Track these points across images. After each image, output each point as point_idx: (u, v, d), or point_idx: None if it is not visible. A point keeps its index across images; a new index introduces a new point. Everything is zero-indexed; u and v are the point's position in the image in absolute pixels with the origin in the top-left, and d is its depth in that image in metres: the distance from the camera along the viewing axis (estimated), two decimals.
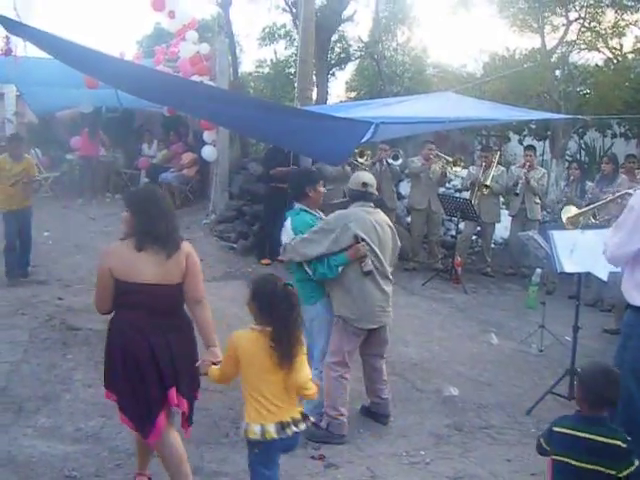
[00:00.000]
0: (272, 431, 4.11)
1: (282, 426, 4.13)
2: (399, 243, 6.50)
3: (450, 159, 12.52)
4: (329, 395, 6.14)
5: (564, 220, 6.89)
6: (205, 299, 4.84)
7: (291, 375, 4.15)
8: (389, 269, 6.23)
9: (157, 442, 4.59)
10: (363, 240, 5.95)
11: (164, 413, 4.55)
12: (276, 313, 4.14)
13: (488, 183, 12.08)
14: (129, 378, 4.49)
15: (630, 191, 6.30)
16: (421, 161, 12.54)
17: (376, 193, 6.38)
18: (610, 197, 6.34)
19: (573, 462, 3.88)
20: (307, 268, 6.10)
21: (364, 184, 6.23)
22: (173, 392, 4.54)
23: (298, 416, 4.24)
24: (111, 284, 4.52)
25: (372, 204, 6.28)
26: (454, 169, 12.67)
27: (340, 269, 6.02)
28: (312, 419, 4.48)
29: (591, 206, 7.05)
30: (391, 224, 6.40)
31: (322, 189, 6.51)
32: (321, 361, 6.22)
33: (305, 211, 6.39)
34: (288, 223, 6.32)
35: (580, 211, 6.96)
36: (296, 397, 4.27)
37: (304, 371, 4.23)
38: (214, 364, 4.57)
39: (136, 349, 4.49)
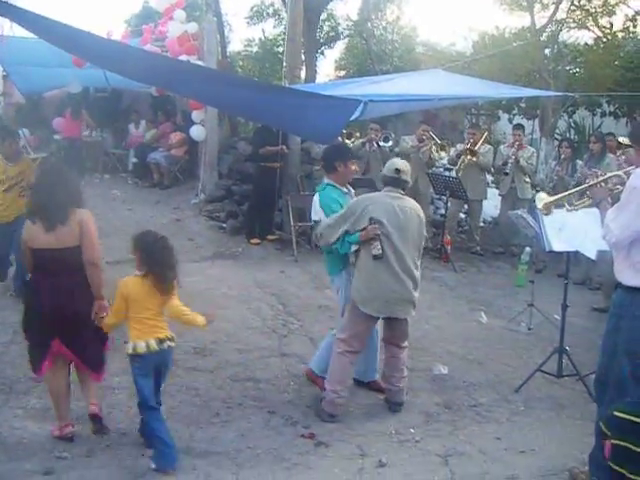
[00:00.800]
0: (154, 344, 5.02)
1: (160, 340, 5.06)
2: (425, 233, 6.37)
3: (440, 142, 12.53)
4: (330, 369, 6.20)
5: (539, 207, 6.89)
6: (99, 261, 5.43)
7: (167, 305, 5.15)
8: (413, 257, 6.13)
9: (44, 378, 5.51)
10: (379, 223, 5.93)
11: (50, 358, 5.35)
12: (154, 260, 5.06)
13: (475, 148, 12.09)
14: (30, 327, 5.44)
15: (619, 173, 6.26)
16: (414, 141, 12.50)
17: (409, 180, 6.34)
18: (591, 182, 6.29)
19: (633, 447, 3.87)
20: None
21: (397, 170, 6.18)
22: (57, 342, 5.32)
23: (170, 335, 5.18)
24: (28, 252, 5.39)
25: (401, 190, 6.22)
26: (440, 153, 12.67)
27: (353, 248, 6.11)
28: None
29: (565, 193, 7.01)
30: (421, 214, 6.28)
31: (354, 167, 6.68)
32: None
33: (332, 186, 6.47)
34: (316, 199, 6.49)
35: (553, 198, 6.93)
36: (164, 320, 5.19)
37: (176, 303, 5.23)
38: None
39: (35, 304, 5.37)
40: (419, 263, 6.27)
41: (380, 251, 5.93)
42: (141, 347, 5.00)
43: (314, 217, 6.52)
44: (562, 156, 11.90)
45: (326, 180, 6.56)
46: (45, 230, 5.28)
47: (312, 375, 6.71)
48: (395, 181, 6.19)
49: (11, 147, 8.53)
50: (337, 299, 6.57)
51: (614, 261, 4.97)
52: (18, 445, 5.28)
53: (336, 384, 6.07)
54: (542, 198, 6.78)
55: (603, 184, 5.93)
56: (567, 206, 6.66)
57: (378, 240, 5.93)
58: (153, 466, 4.99)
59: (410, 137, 12.74)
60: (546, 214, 6.76)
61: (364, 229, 5.93)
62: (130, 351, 5.05)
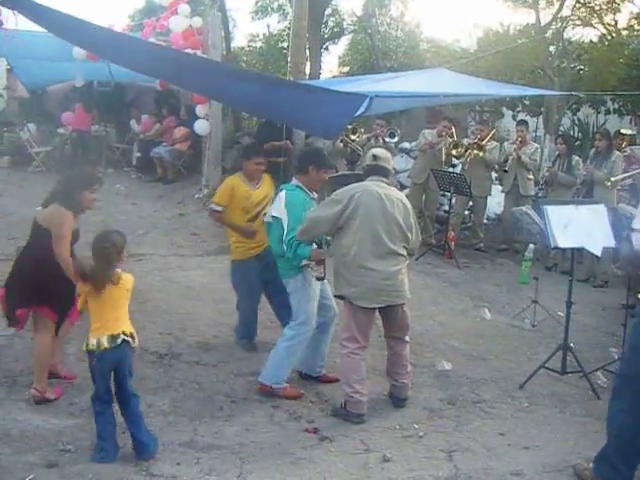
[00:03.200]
0: (105, 342, 5.02)
1: (113, 337, 5.05)
2: (414, 222, 6.25)
3: (456, 140, 12.51)
4: (342, 372, 6.15)
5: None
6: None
7: (113, 293, 5.16)
8: (397, 245, 6.02)
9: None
10: (327, 245, 6.15)
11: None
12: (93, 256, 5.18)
13: (482, 143, 12.08)
14: None
15: None
16: (434, 137, 12.48)
17: (389, 167, 6.34)
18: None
19: None
20: (284, 246, 6.17)
21: (374, 156, 6.22)
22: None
23: (128, 330, 5.15)
24: None
25: (384, 179, 6.20)
26: (454, 153, 12.66)
27: (303, 262, 6.17)
28: None
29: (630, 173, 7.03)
30: (407, 203, 6.23)
31: (325, 175, 6.61)
32: (298, 326, 6.28)
33: (301, 189, 6.45)
34: (282, 195, 6.35)
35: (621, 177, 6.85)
36: (125, 314, 5.24)
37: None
38: None
39: None
40: (406, 249, 6.16)
41: (322, 275, 6.10)
42: (92, 344, 5.08)
43: (274, 213, 6.34)
44: (556, 152, 11.91)
45: (295, 181, 6.51)
46: None
47: (268, 389, 6.33)
48: (375, 168, 6.20)
49: (257, 167, 7.37)
50: (291, 300, 6.35)
51: None
52: (22, 438, 5.27)
53: (356, 384, 6.00)
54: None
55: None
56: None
57: (323, 265, 6.08)
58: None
59: (430, 132, 12.72)
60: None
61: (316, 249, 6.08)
62: (84, 347, 5.18)
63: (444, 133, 12.44)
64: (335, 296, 6.34)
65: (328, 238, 6.18)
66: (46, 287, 5.83)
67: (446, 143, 12.36)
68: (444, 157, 12.44)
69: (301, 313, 6.29)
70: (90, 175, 6.32)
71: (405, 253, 6.14)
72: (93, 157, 17.45)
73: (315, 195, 6.63)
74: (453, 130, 12.63)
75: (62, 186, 6.08)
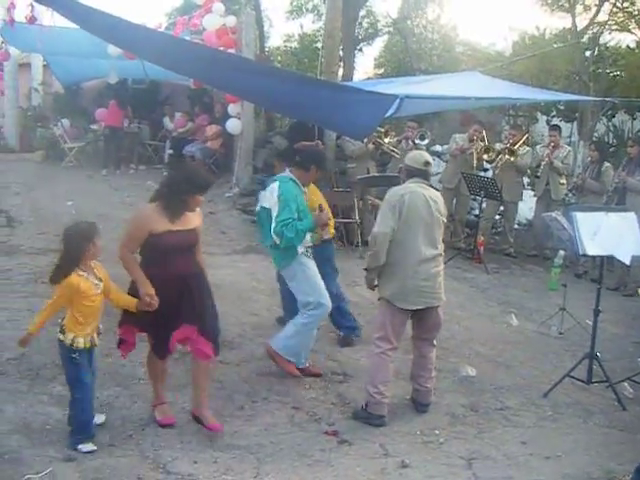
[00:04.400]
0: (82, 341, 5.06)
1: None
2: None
3: (488, 144, 12.41)
4: (369, 371, 6.13)
5: None
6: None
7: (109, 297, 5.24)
8: (438, 246, 6.10)
9: None
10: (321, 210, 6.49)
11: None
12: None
13: (514, 148, 11.99)
14: None
15: None
16: (465, 141, 12.38)
17: (433, 173, 6.40)
18: None
19: None
20: (274, 236, 6.39)
21: (427, 163, 6.21)
22: None
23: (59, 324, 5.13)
24: None
25: (426, 182, 6.22)
26: (482, 157, 12.56)
27: (308, 236, 6.53)
28: None
29: None
30: (442, 202, 6.33)
31: (318, 174, 6.96)
32: (309, 310, 6.48)
33: (294, 182, 6.65)
34: (275, 187, 6.55)
35: None
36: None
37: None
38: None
39: None
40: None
41: (328, 235, 6.79)
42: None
43: (263, 203, 6.63)
44: (588, 159, 11.81)
45: (289, 174, 6.72)
46: None
47: (275, 354, 6.62)
48: (424, 173, 6.20)
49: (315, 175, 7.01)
50: (292, 287, 6.66)
51: None
52: (42, 431, 5.30)
53: (380, 385, 5.97)
54: None
55: None
56: None
57: (327, 225, 6.71)
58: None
59: (461, 136, 12.62)
60: None
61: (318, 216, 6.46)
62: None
63: (475, 137, 12.34)
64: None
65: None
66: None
67: (477, 147, 12.26)
68: (475, 162, 12.34)
69: (307, 297, 6.50)
70: (205, 178, 5.63)
71: (442, 253, 6.20)
72: (125, 153, 17.59)
73: (305, 189, 6.85)
74: (484, 134, 12.53)
75: (169, 186, 5.51)
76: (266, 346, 6.75)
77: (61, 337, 5.09)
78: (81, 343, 5.08)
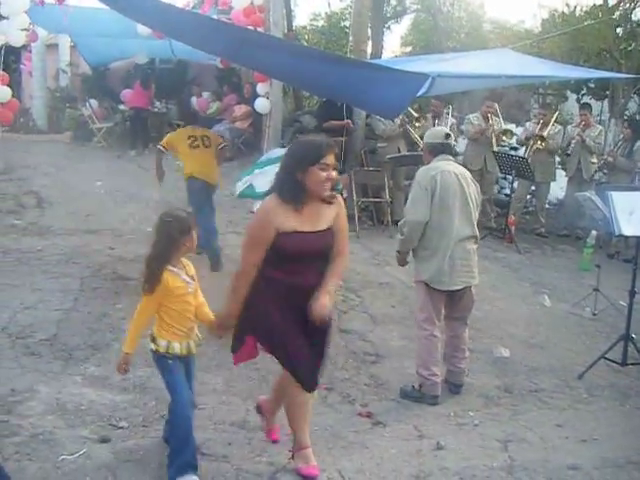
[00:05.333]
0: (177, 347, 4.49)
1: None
2: (481, 198, 6.35)
3: (502, 127, 12.26)
4: (420, 355, 6.07)
5: None
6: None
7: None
8: (473, 225, 6.04)
9: None
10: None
11: None
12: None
13: (544, 134, 11.83)
14: None
15: None
16: (479, 119, 12.23)
17: (455, 144, 6.29)
18: None
19: None
20: None
21: (447, 135, 6.14)
22: None
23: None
24: None
25: (452, 158, 6.17)
26: (501, 141, 12.40)
27: None
28: None
29: None
30: (472, 178, 6.25)
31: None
32: None
33: None
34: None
35: None
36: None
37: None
38: None
39: None
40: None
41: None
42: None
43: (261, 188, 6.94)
44: (621, 136, 11.66)
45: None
46: None
47: None
48: (447, 147, 6.11)
49: None
50: None
51: None
52: (76, 412, 5.30)
53: (433, 366, 5.95)
54: None
55: None
56: None
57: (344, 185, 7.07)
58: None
59: (474, 115, 12.45)
60: None
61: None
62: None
63: (489, 114, 12.17)
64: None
65: None
66: None
67: (494, 126, 12.09)
68: (494, 139, 12.17)
69: None
70: (316, 145, 4.40)
71: (477, 233, 6.13)
72: (153, 134, 17.59)
73: None
74: (497, 108, 12.33)
75: (281, 167, 4.49)
76: None
77: (153, 346, 4.52)
78: (177, 349, 4.50)
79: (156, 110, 18.09)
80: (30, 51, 17.78)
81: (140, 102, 17.16)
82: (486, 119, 12.15)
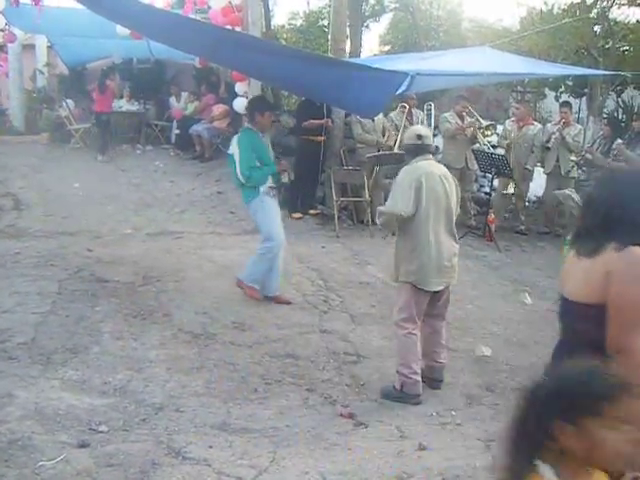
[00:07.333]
0: None
1: None
2: (460, 196, 6.40)
3: (483, 123, 12.24)
4: (400, 353, 6.05)
5: None
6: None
7: None
8: (454, 225, 6.11)
9: None
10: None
11: None
12: None
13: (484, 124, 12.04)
14: None
15: None
16: (454, 118, 12.22)
17: (432, 144, 6.28)
18: None
19: None
20: (240, 177, 7.60)
21: (419, 136, 6.11)
22: None
23: None
24: None
25: (432, 157, 6.20)
26: (485, 137, 12.40)
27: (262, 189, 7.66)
28: None
29: None
30: (453, 177, 6.30)
31: (270, 117, 8.20)
32: (264, 242, 7.74)
33: (252, 130, 7.84)
34: (236, 137, 7.86)
35: None
36: None
37: None
38: None
39: None
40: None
41: (286, 179, 8.20)
42: None
43: (230, 151, 7.86)
44: (601, 133, 11.72)
45: (247, 125, 8.04)
46: None
47: (241, 283, 7.91)
48: (422, 148, 6.10)
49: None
50: (255, 220, 8.04)
51: None
52: (55, 416, 5.22)
53: (413, 364, 5.94)
54: None
55: None
56: None
57: (287, 170, 8.30)
58: None
59: (449, 113, 12.42)
60: None
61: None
62: None
63: (464, 113, 12.18)
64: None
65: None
66: None
67: (476, 125, 12.09)
68: (480, 135, 12.17)
69: (265, 231, 7.75)
70: None
71: (456, 233, 6.19)
72: (131, 134, 17.45)
73: (266, 136, 8.20)
74: (470, 108, 12.33)
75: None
76: (236, 279, 7.94)
77: None
78: None
79: (126, 110, 17.94)
80: (6, 52, 17.65)
81: (100, 107, 16.78)
82: (461, 117, 12.14)
